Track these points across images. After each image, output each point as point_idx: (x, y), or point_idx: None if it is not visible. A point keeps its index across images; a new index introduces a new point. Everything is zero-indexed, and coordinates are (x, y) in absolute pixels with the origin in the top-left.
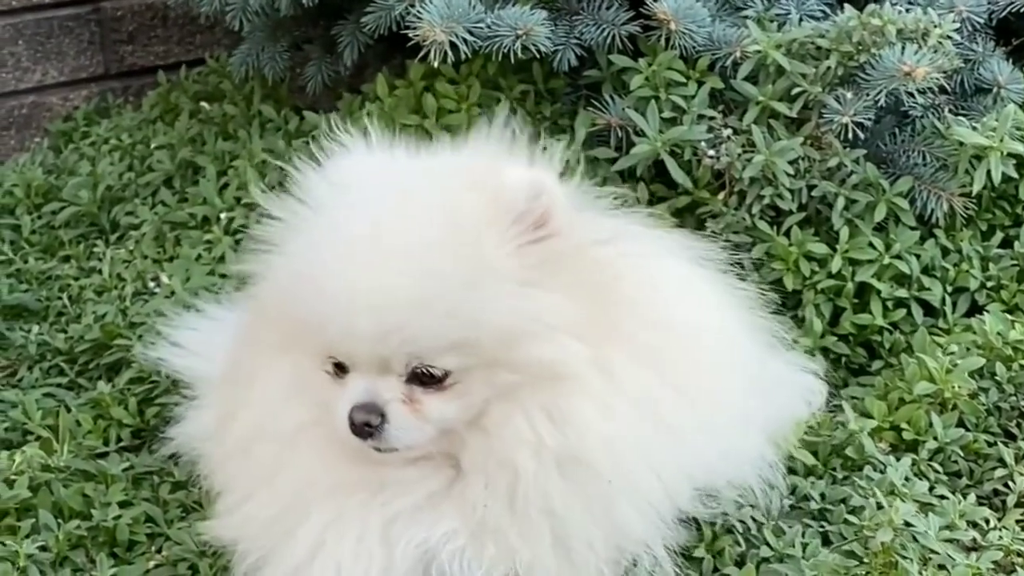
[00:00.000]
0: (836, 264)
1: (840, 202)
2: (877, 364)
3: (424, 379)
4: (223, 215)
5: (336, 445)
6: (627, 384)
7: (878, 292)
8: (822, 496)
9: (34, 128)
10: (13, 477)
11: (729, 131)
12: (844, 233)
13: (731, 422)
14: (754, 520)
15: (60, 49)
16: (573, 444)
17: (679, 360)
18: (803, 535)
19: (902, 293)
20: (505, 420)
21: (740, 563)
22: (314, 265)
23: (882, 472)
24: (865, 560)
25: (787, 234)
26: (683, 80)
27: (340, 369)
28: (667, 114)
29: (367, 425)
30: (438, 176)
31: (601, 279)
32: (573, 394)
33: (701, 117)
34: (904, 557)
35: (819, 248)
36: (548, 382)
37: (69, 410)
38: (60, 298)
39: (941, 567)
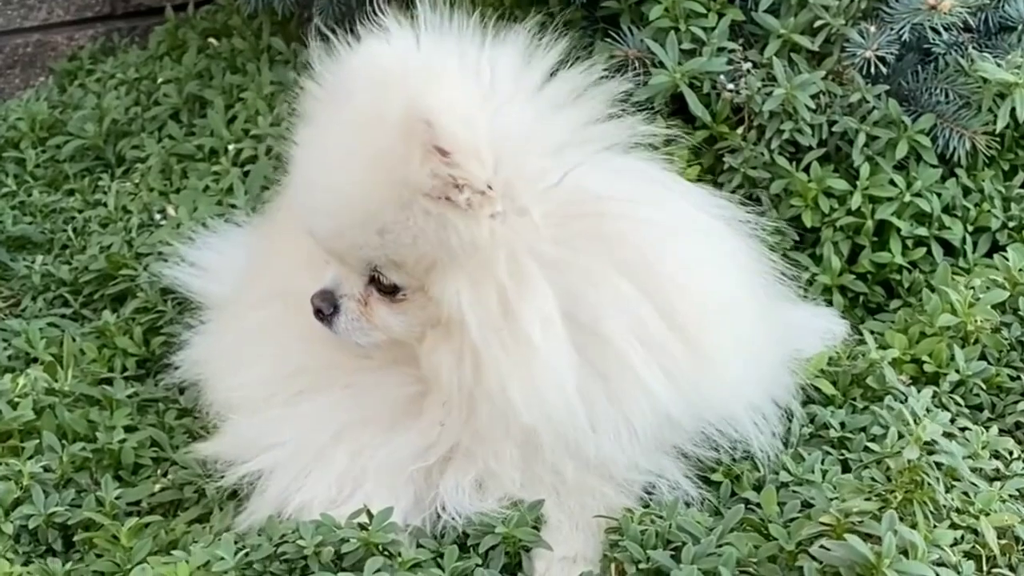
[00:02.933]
0: (856, 201)
1: (861, 138)
2: (895, 303)
3: (380, 286)
4: (231, 147)
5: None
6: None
7: (898, 230)
8: (842, 425)
9: (39, 67)
10: (17, 399)
11: (749, 64)
12: (865, 170)
13: (741, 369)
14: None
15: None
16: (489, 394)
17: (673, 306)
18: (822, 462)
19: (922, 232)
20: (431, 348)
21: (758, 488)
22: (297, 160)
23: (903, 402)
24: (890, 480)
25: (806, 170)
26: (703, 11)
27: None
28: (686, 46)
29: (320, 312)
30: (407, 84)
31: (571, 217)
32: (474, 345)
33: (721, 50)
34: (930, 475)
35: (839, 184)
36: (458, 325)
37: (74, 340)
38: (65, 230)
39: (964, 495)
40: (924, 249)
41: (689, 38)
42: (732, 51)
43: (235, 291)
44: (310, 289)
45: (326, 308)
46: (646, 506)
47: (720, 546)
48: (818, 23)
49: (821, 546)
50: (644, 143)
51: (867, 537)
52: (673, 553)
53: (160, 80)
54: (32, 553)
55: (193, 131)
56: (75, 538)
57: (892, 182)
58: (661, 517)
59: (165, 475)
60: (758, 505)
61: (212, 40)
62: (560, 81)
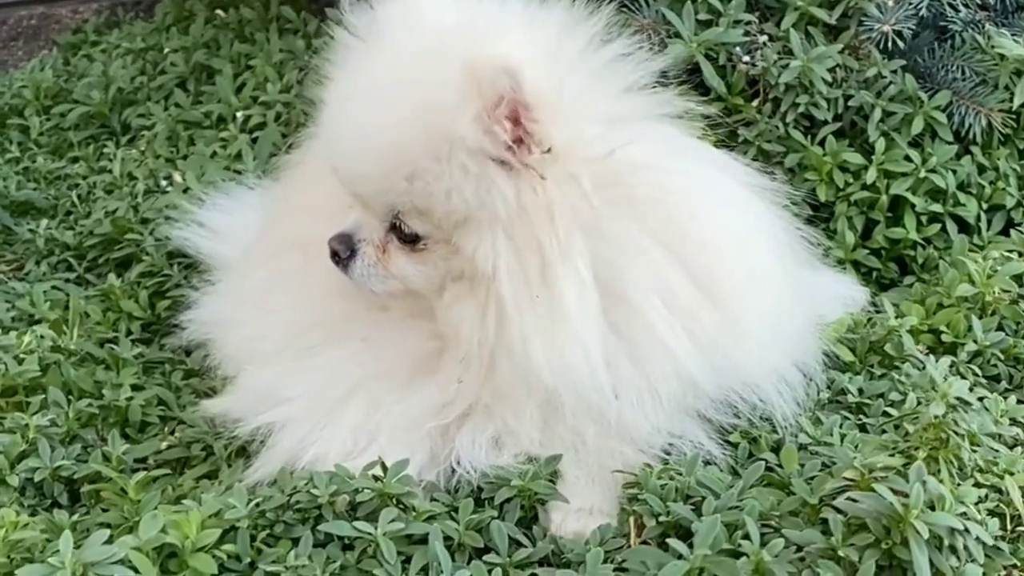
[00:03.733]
0: (871, 175)
1: (877, 113)
2: (909, 279)
3: (401, 234)
4: (239, 114)
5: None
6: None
7: (912, 206)
8: (860, 391)
9: (42, 40)
10: (22, 356)
11: (765, 37)
12: (880, 145)
13: (769, 335)
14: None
15: None
16: (511, 353)
17: (705, 272)
18: (840, 425)
19: (937, 208)
20: (452, 301)
21: (775, 449)
22: (329, 101)
23: (920, 370)
24: (908, 441)
25: (821, 144)
26: None
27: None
28: (702, 16)
29: (336, 255)
30: (452, 39)
31: (609, 186)
32: (502, 303)
33: (737, 22)
34: (956, 433)
35: (854, 158)
36: (485, 281)
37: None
38: (69, 196)
39: (987, 455)
40: (938, 226)
41: (705, 9)
42: (748, 23)
43: (249, 245)
44: (329, 235)
45: (343, 251)
46: (664, 463)
47: (741, 500)
48: None
49: (848, 498)
50: (677, 113)
51: (892, 493)
52: (693, 507)
53: (167, 49)
54: (37, 506)
55: (200, 100)
56: (81, 491)
57: (907, 158)
58: (680, 473)
59: (172, 433)
60: (778, 465)
61: (219, 11)
62: (605, 50)
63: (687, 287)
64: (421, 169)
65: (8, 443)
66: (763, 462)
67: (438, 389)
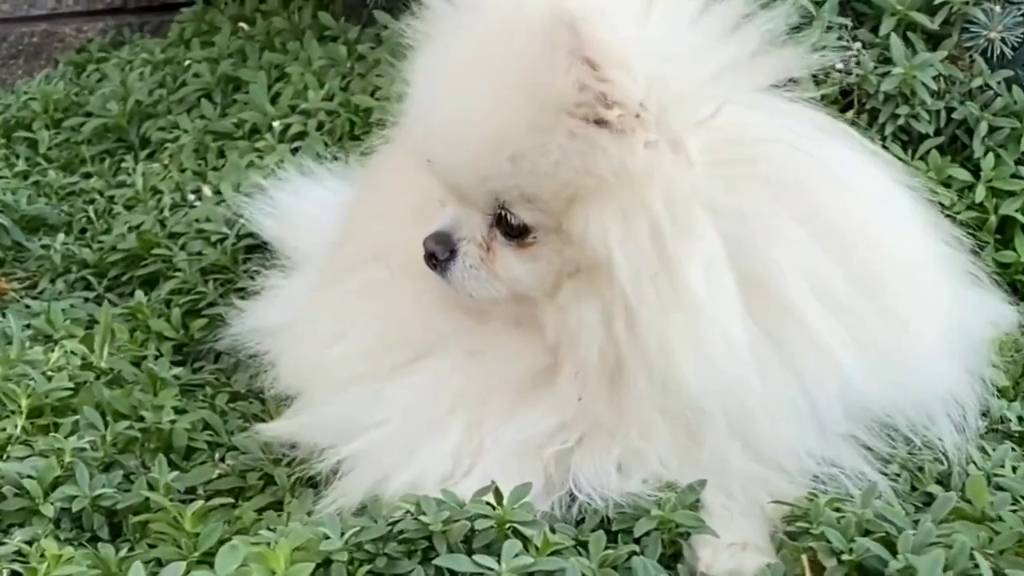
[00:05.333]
0: (979, 194)
1: (983, 127)
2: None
3: (507, 228)
4: (276, 123)
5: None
6: (707, 289)
7: (1023, 227)
8: (1020, 419)
9: (44, 58)
10: (51, 373)
11: (859, 44)
12: (988, 161)
13: (935, 341)
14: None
15: None
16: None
17: (859, 264)
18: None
19: None
20: (570, 300)
21: (940, 482)
22: (414, 87)
23: None
24: None
25: (923, 159)
26: None
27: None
28: (793, 20)
29: (432, 256)
30: (545, 8)
31: (733, 161)
32: (625, 295)
33: (831, 27)
34: None
35: (960, 174)
36: (605, 271)
37: (97, 323)
38: (85, 212)
39: None
40: None
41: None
42: (843, 27)
43: (314, 255)
44: (422, 236)
45: (441, 252)
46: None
47: (942, 536)
48: (937, 0)
49: None
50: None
51: None
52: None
53: (189, 60)
54: (74, 540)
55: (227, 112)
56: (124, 523)
57: (1016, 175)
58: (850, 504)
59: (223, 460)
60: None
61: (242, 24)
62: (719, 10)
63: (843, 282)
64: (526, 147)
65: (42, 468)
66: (953, 494)
67: (554, 408)
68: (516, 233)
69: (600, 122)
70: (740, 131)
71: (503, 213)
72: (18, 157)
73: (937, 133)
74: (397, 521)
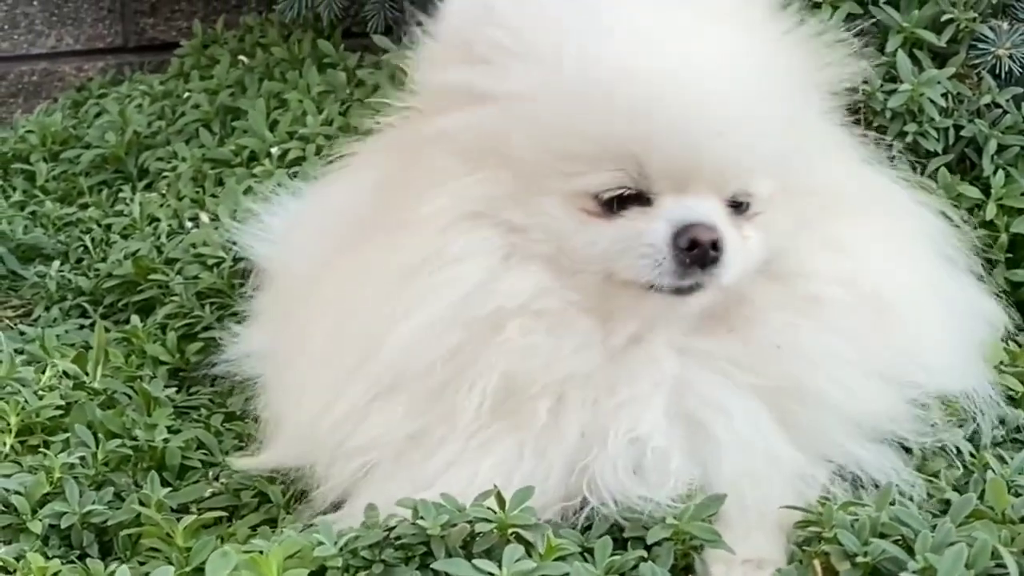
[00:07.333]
0: (990, 211)
1: (992, 145)
2: None
3: (736, 205)
4: (274, 149)
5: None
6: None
7: None
8: None
9: (43, 97)
10: (41, 392)
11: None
12: (998, 179)
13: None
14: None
15: (77, 15)
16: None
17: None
18: None
19: None
20: (810, 254)
21: (957, 488)
22: (661, 80)
23: None
24: None
25: (932, 176)
26: (818, 1)
27: (613, 205)
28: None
29: (713, 247)
30: None
31: None
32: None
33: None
34: None
35: (971, 192)
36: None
37: (90, 347)
38: (81, 241)
39: None
40: None
41: None
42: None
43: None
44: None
45: (720, 243)
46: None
47: (962, 536)
48: (944, 17)
49: None
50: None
51: None
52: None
53: (188, 91)
54: (63, 557)
55: (225, 141)
56: (114, 541)
57: None
58: (865, 507)
59: (216, 479)
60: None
61: (243, 58)
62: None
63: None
64: (784, 114)
65: (30, 484)
66: (972, 495)
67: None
68: (742, 209)
69: None
70: None
71: (738, 191)
72: (15, 189)
73: (946, 151)
74: (394, 527)
